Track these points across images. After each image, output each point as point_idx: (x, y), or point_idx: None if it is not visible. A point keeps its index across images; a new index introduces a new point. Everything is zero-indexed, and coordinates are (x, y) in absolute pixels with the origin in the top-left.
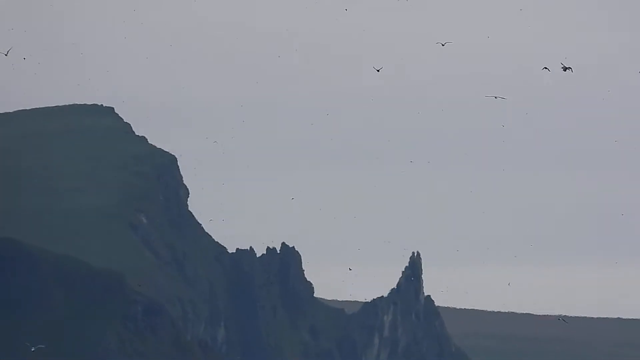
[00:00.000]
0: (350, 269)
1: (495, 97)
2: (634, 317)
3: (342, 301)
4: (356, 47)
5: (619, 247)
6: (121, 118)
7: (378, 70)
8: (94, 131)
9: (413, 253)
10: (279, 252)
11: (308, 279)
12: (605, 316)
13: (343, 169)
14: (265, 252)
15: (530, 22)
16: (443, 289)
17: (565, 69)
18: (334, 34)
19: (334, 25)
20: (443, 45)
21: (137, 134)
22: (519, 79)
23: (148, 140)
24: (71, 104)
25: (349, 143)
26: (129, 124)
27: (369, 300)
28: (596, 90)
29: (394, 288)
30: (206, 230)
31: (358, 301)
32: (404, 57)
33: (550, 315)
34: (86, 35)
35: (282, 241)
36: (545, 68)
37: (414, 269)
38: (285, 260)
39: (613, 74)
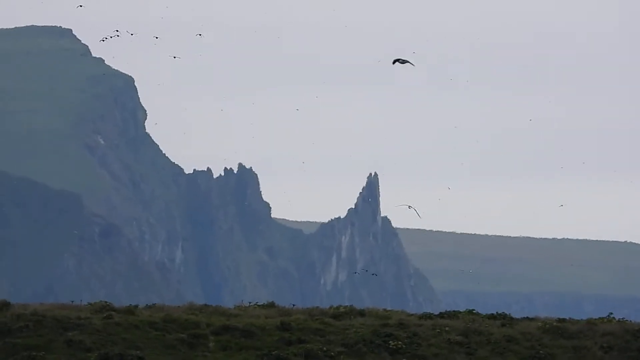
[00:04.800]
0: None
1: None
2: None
3: (300, 221)
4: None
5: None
6: (79, 40)
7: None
8: (52, 52)
9: (370, 174)
10: (236, 172)
11: (265, 200)
12: (565, 237)
13: (300, 91)
14: (222, 173)
15: None
16: (400, 210)
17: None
18: None
19: None
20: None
21: (94, 55)
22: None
23: (105, 61)
24: (29, 25)
25: (318, 64)
26: (87, 46)
27: (326, 221)
28: None
29: (351, 208)
30: (163, 152)
31: (316, 222)
32: None
33: (510, 237)
34: None
35: (239, 162)
36: None
37: (371, 189)
38: (243, 181)
39: None
